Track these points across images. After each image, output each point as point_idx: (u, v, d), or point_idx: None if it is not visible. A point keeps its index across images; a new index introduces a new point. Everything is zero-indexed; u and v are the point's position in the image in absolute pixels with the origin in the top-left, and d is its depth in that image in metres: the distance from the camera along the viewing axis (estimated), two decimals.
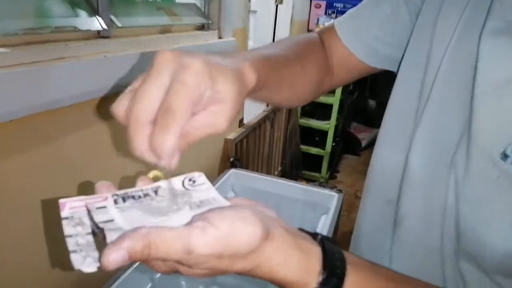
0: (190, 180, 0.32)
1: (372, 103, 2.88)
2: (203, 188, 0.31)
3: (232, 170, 0.95)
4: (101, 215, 0.27)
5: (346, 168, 2.50)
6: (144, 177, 0.31)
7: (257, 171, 1.42)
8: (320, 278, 0.27)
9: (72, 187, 0.57)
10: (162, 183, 0.31)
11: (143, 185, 0.31)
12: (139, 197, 0.30)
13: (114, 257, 0.23)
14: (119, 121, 0.28)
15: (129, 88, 0.29)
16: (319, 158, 2.17)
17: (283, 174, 1.84)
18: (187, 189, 0.31)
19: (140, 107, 0.27)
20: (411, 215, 0.41)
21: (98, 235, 0.26)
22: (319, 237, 0.29)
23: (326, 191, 0.89)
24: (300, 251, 0.27)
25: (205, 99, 0.27)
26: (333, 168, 2.36)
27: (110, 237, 0.25)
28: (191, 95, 0.27)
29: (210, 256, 0.25)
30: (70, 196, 0.27)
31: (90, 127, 0.59)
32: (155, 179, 0.31)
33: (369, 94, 2.87)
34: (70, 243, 0.25)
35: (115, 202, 0.29)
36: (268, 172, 1.63)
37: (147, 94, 0.27)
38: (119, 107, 0.28)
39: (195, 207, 0.29)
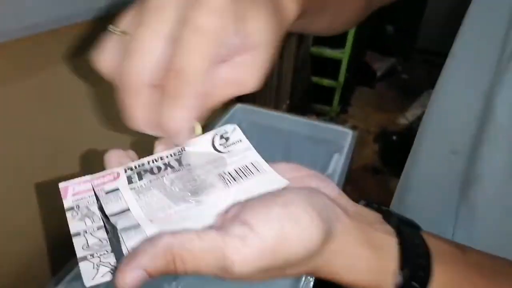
0: (221, 137, 0.25)
1: (389, 28, 2.66)
2: (240, 149, 0.25)
3: (238, 105, 0.87)
4: (113, 203, 0.22)
5: (358, 101, 2.39)
6: (163, 140, 0.24)
7: (264, 104, 1.33)
8: (398, 281, 0.21)
9: (59, 128, 0.49)
10: (186, 146, 0.25)
11: (162, 150, 0.24)
12: (159, 169, 0.24)
13: (131, 278, 0.18)
14: (105, 78, 0.22)
15: (116, 29, 0.21)
16: (331, 90, 2.06)
17: (292, 108, 1.76)
18: (219, 151, 0.25)
19: (136, 66, 0.20)
20: (490, 173, 0.34)
21: (111, 235, 0.21)
22: (394, 220, 0.23)
23: (339, 128, 0.82)
24: (369, 250, 0.22)
25: (230, 48, 0.21)
26: (345, 102, 2.26)
27: (126, 240, 0.20)
28: (210, 46, 0.20)
29: (253, 272, 0.19)
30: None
31: (77, 57, 0.50)
32: None
33: (387, 18, 2.65)
34: (78, 245, 0.20)
35: (129, 180, 0.23)
36: (276, 106, 1.56)
37: (146, 46, 0.20)
38: (105, 61, 0.21)
39: (231, 181, 0.23)
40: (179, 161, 0.24)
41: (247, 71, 0.22)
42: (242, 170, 0.24)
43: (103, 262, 0.20)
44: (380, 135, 1.62)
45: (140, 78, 0.21)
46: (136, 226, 0.21)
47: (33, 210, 0.47)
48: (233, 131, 0.26)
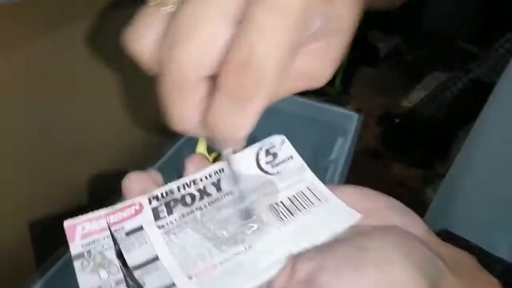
0: (268, 153, 0.21)
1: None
2: (292, 169, 0.21)
3: None
4: (137, 249, 0.17)
5: (360, 82, 2.33)
6: (196, 156, 0.21)
7: None
8: None
9: (53, 102, 0.44)
10: (225, 166, 0.20)
11: (193, 169, 0.20)
12: (192, 198, 0.20)
13: None
14: (140, 65, 0.17)
15: (160, 2, 0.16)
16: None
17: None
18: (266, 172, 0.21)
19: (192, 54, 0.16)
20: None
21: None
22: (496, 267, 0.18)
23: (344, 111, 0.78)
24: None
25: (310, 34, 0.16)
26: (347, 82, 2.20)
27: None
28: (293, 31, 0.15)
29: None
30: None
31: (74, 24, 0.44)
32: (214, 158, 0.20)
33: None
34: None
35: (156, 214, 0.19)
36: None
37: (205, 28, 0.15)
38: (145, 45, 0.17)
39: (287, 215, 0.19)
40: (217, 186, 0.20)
41: (320, 62, 0.18)
42: (299, 199, 0.19)
43: None
44: (382, 118, 1.57)
45: (197, 69, 0.16)
46: (171, 287, 0.16)
47: (20, 191, 0.43)
48: (282, 144, 0.21)
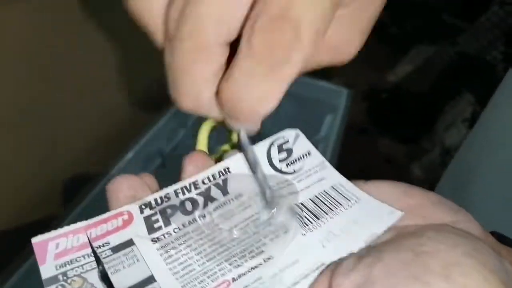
0: (281, 149, 0.18)
1: None
2: (310, 166, 0.17)
3: None
4: (126, 270, 0.14)
5: None
6: (197, 154, 0.17)
7: None
8: None
9: (53, 58, 0.41)
10: (231, 163, 0.17)
11: (194, 170, 0.17)
12: (194, 204, 0.16)
13: None
14: (146, 30, 0.15)
15: None
16: None
17: None
18: (280, 171, 0.17)
19: (209, 11, 0.13)
20: None
21: None
22: None
23: (332, 86, 0.75)
24: None
25: None
26: None
27: None
28: None
29: None
30: None
31: None
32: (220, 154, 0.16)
33: None
34: None
35: (149, 226, 0.15)
36: None
37: None
38: (152, 6, 0.14)
39: (312, 220, 0.15)
40: (223, 189, 0.16)
41: (347, 32, 0.15)
42: (324, 201, 0.16)
43: None
44: (369, 93, 1.55)
45: (219, 31, 0.13)
46: None
47: None
48: (296, 139, 0.18)
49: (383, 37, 2.42)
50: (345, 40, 0.16)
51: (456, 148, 1.09)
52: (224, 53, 0.14)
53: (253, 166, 0.16)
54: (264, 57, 0.13)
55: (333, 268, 0.14)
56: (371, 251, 0.14)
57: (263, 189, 0.16)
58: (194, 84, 0.14)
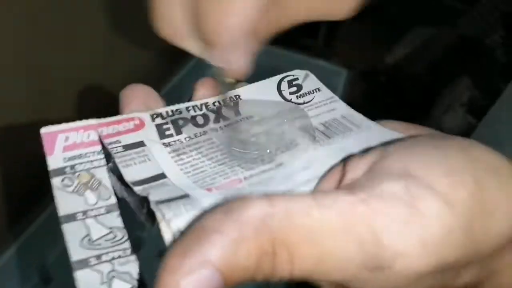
0: (291, 84, 0.19)
1: None
2: (321, 99, 0.19)
3: None
4: (137, 166, 0.14)
5: (343, 36, 2.27)
6: (209, 79, 0.18)
7: None
8: None
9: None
10: (242, 92, 0.18)
11: (206, 93, 0.18)
12: (205, 119, 0.17)
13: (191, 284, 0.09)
14: None
15: None
16: (316, 22, 1.93)
17: (273, 40, 1.64)
18: (290, 102, 0.19)
19: None
20: None
21: (142, 218, 0.13)
22: None
23: (331, 66, 0.74)
24: None
25: None
26: (331, 35, 2.14)
27: (170, 218, 0.11)
28: None
29: (425, 272, 0.11)
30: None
31: None
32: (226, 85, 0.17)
33: None
34: (73, 240, 0.12)
35: (161, 132, 0.15)
36: None
37: None
38: None
39: (323, 138, 0.16)
40: (234, 110, 0.17)
41: None
42: (334, 125, 0.17)
43: (119, 272, 0.12)
44: (367, 75, 1.54)
45: None
46: (183, 198, 0.12)
47: None
48: (306, 77, 0.19)
49: (381, 19, 2.40)
50: None
51: (453, 132, 1.09)
52: None
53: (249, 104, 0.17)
54: None
55: (345, 159, 0.14)
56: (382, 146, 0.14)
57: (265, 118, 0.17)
58: (166, 5, 0.15)
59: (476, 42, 1.29)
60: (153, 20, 0.16)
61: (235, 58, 0.16)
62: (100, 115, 0.16)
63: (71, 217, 0.13)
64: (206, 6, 0.15)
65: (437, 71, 1.26)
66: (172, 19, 0.15)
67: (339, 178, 0.14)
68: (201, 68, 0.53)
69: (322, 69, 0.73)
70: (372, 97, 1.51)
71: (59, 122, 0.15)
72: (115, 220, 0.13)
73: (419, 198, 0.11)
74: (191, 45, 0.16)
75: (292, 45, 1.91)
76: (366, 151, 0.15)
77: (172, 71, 0.56)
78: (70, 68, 0.47)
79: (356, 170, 0.13)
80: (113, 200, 0.14)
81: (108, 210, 0.13)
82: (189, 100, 0.18)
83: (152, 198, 0.13)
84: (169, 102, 0.18)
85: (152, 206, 0.12)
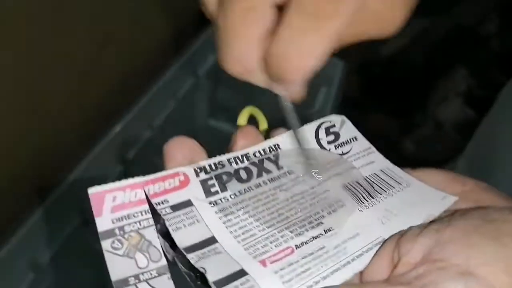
0: (328, 132, 0.19)
1: None
2: (358, 150, 0.18)
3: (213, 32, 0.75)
4: (187, 229, 0.14)
5: None
6: (248, 128, 0.18)
7: None
8: None
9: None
10: (281, 140, 0.18)
11: (245, 143, 0.17)
12: (249, 174, 0.16)
13: None
14: (202, 4, 0.15)
15: None
16: None
17: None
18: (329, 151, 0.18)
19: None
20: None
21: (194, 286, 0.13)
22: None
23: (329, 58, 0.73)
24: None
25: None
26: None
27: None
28: None
29: None
30: None
31: None
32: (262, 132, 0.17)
33: None
34: None
35: (206, 189, 0.15)
36: None
37: None
38: None
39: (367, 198, 0.16)
40: (275, 163, 0.17)
41: (391, 1, 0.15)
42: (376, 182, 0.16)
43: None
44: (362, 66, 1.53)
45: None
46: (240, 276, 0.13)
47: None
48: (343, 124, 0.19)
49: None
50: (388, 9, 0.16)
51: (449, 123, 1.08)
52: (272, 15, 0.15)
53: (297, 133, 0.17)
54: (309, 12, 0.14)
55: (397, 238, 0.14)
56: (435, 221, 0.14)
57: (305, 153, 0.17)
58: (241, 45, 0.15)
59: (471, 31, 1.29)
60: (223, 56, 0.16)
61: (300, 88, 0.16)
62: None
63: (124, 282, 0.13)
64: (281, 48, 0.15)
65: (433, 62, 1.25)
66: (247, 59, 0.15)
67: (392, 260, 0.14)
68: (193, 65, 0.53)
69: None
70: (368, 88, 1.51)
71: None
72: (167, 282, 0.13)
73: None
74: (259, 79, 0.16)
75: None
76: (416, 226, 0.15)
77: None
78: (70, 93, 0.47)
79: (411, 254, 0.13)
80: (164, 261, 0.14)
81: (160, 273, 0.13)
82: (229, 150, 0.18)
83: (210, 278, 0.12)
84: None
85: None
